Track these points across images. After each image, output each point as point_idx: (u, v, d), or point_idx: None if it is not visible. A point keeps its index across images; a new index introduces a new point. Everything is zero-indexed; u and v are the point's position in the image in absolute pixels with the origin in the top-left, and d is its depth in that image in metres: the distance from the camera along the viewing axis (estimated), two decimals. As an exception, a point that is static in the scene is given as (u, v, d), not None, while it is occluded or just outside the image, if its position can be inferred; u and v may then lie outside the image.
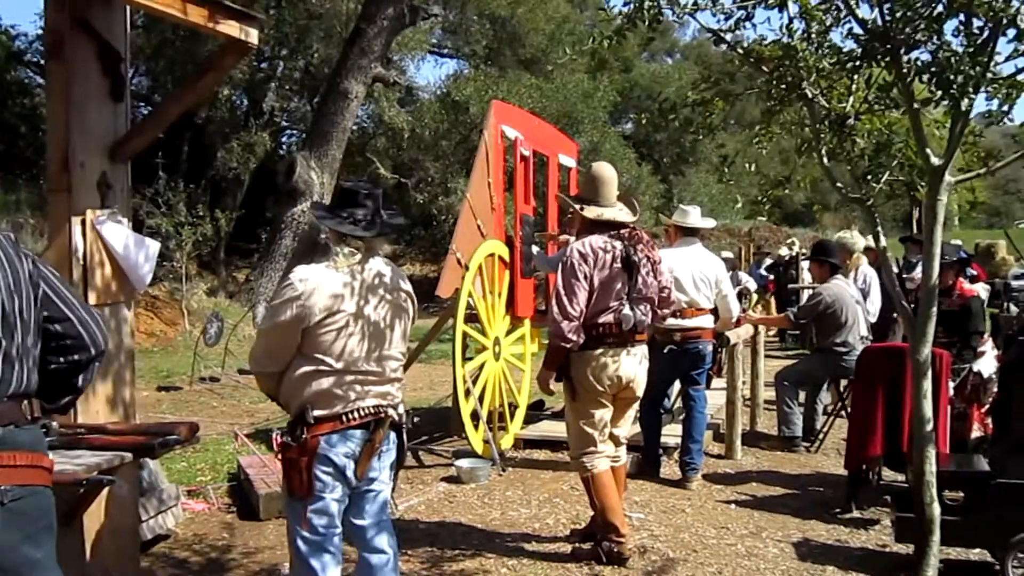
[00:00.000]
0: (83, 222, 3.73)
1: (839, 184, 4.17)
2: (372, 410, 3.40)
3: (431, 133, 25.39)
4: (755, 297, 11.80)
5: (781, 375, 7.94)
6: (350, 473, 3.36)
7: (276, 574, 4.74)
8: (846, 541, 5.42)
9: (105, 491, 3.74)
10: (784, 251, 17.94)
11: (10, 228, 15.68)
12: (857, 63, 3.78)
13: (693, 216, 6.89)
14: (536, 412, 8.66)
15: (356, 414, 3.36)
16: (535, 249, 7.79)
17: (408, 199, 25.30)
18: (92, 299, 3.76)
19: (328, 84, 19.78)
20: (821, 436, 7.85)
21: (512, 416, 7.77)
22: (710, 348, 6.83)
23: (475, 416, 6.98)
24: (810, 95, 3.88)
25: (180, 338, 15.70)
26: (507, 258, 7.65)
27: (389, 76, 21.54)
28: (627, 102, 31.43)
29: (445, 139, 25.45)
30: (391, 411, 3.48)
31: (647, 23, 3.69)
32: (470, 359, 7.37)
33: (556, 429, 7.42)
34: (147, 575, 4.68)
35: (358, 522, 3.50)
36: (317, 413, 3.30)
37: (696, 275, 6.62)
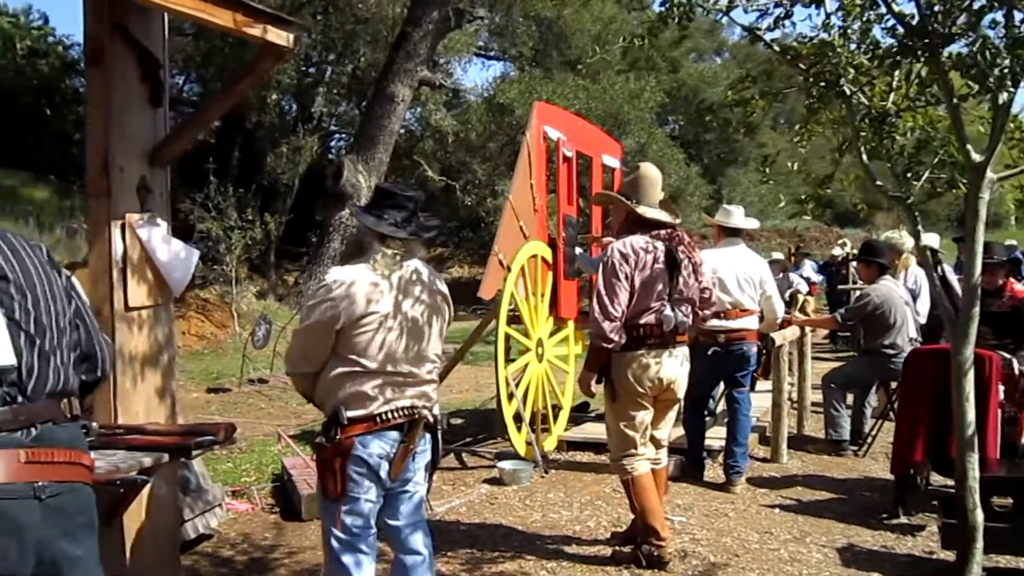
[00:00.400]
0: (122, 226, 3.78)
1: (879, 182, 4.10)
2: (406, 411, 3.39)
3: (478, 135, 25.42)
4: (799, 300, 11.65)
5: (828, 377, 7.82)
6: (384, 474, 3.36)
7: (316, 574, 4.77)
8: (892, 547, 5.32)
9: (145, 491, 3.79)
10: (837, 251, 17.74)
11: (64, 233, 16.04)
12: (896, 59, 3.71)
13: (736, 216, 6.81)
14: (581, 414, 8.64)
15: (390, 415, 3.36)
16: (578, 250, 7.77)
17: (456, 201, 25.40)
18: (132, 302, 3.81)
19: (375, 88, 19.91)
20: (869, 440, 7.71)
21: (556, 418, 7.75)
22: (754, 350, 6.75)
23: (518, 418, 6.97)
24: (848, 92, 3.82)
25: (230, 341, 15.88)
26: (550, 259, 7.62)
27: (435, 79, 21.63)
28: (675, 102, 31.22)
29: (492, 141, 25.47)
30: (426, 412, 3.48)
31: (677, 20, 3.66)
32: (513, 361, 7.36)
33: (600, 431, 7.38)
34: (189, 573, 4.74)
35: (393, 523, 3.51)
36: (351, 414, 3.31)
37: (740, 275, 6.54)
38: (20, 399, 2.22)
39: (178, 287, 3.99)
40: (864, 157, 4.02)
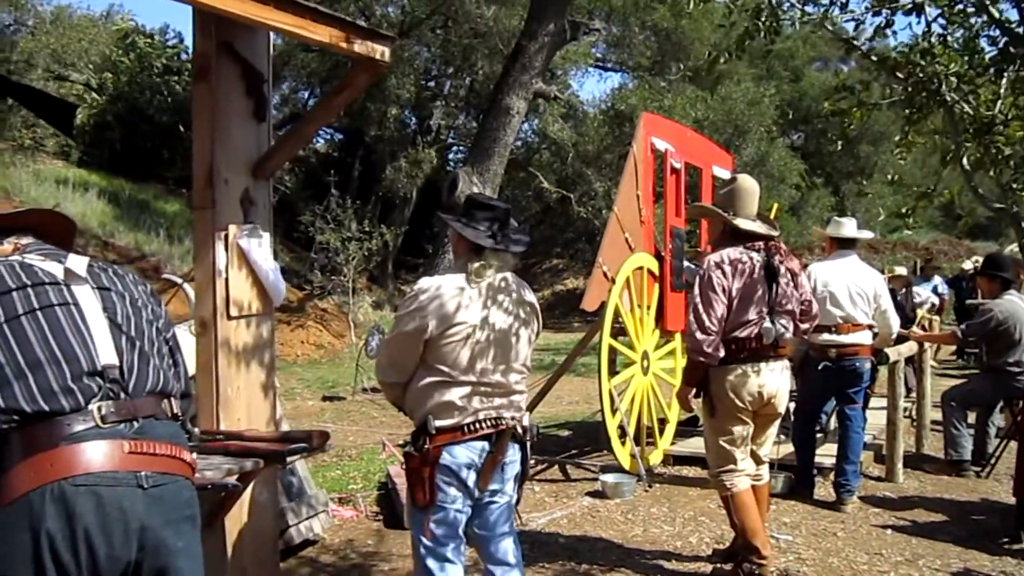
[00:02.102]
0: (226, 237, 3.89)
1: (981, 193, 3.92)
2: (493, 422, 3.39)
3: (595, 146, 25.32)
4: (919, 315, 11.31)
5: (948, 395, 7.51)
6: (472, 483, 3.37)
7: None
8: (1013, 574, 5.07)
9: (247, 495, 3.90)
10: (967, 265, 17.20)
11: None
12: (1000, 67, 3.54)
13: (848, 227, 6.61)
14: (690, 428, 8.51)
15: (478, 425, 3.37)
16: (687, 264, 7.68)
17: (571, 212, 25.35)
18: (235, 311, 3.92)
19: (490, 100, 20.08)
20: (993, 460, 7.36)
21: (662, 431, 7.66)
22: (868, 365, 6.53)
23: (622, 431, 6.91)
24: (949, 101, 3.67)
25: (346, 350, 16.20)
26: (656, 271, 7.54)
27: (550, 91, 21.71)
28: (797, 112, 30.48)
29: (609, 152, 25.30)
30: (513, 422, 3.47)
31: (764, 35, 3.58)
32: (619, 373, 7.31)
33: (706, 446, 7.27)
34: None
35: (481, 532, 3.51)
36: (439, 424, 3.33)
37: (852, 289, 6.34)
38: (122, 395, 2.33)
39: (279, 296, 4.09)
40: (967, 167, 3.85)
